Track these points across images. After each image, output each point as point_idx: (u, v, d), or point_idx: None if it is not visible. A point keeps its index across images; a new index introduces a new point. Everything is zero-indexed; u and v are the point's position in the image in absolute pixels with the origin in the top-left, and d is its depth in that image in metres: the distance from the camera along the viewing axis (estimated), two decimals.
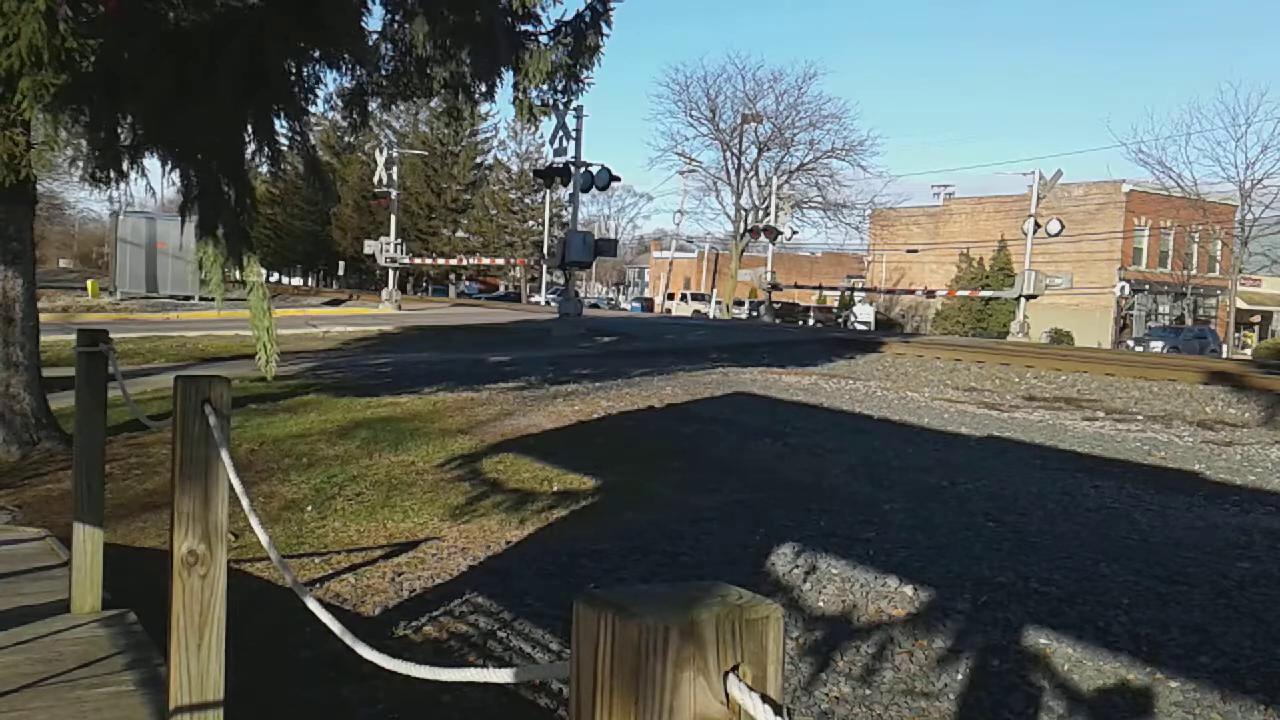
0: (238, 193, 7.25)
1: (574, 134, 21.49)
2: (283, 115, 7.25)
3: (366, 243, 35.57)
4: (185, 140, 6.80)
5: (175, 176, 7.19)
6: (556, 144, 21.71)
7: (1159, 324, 47.02)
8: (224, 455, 2.40)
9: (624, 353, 17.14)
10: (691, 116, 51.86)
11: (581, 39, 8.39)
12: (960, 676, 3.85)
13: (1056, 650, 3.99)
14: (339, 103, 8.20)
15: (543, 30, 8.36)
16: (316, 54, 7.17)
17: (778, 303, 43.86)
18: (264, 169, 7.47)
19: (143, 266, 30.19)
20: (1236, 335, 45.12)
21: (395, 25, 7.98)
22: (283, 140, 7.38)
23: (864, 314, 49.30)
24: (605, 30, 8.48)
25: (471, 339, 19.54)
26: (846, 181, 52.62)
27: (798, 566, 5.01)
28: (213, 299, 8.16)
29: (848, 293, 50.67)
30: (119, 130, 6.81)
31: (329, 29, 6.67)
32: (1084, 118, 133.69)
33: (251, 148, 7.12)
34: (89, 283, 32.50)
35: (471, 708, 3.68)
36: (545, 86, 8.43)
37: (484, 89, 8.48)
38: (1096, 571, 4.91)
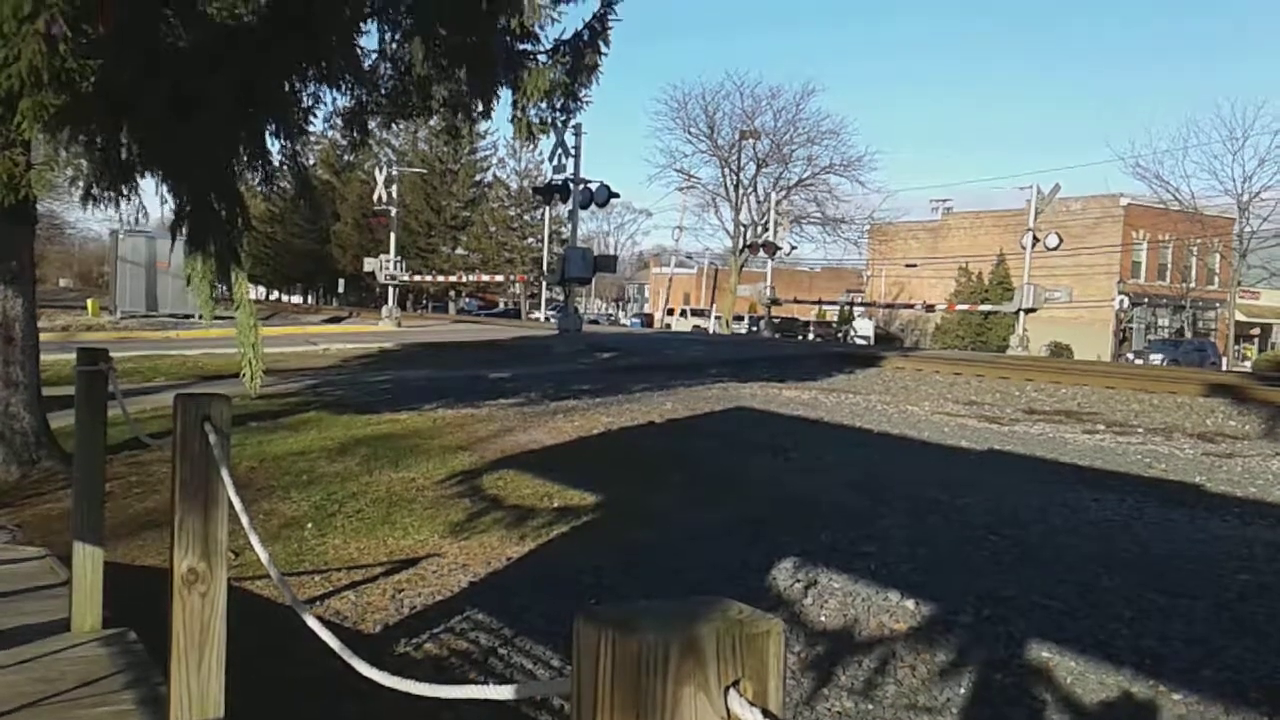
0: (229, 210, 7.27)
1: (573, 151, 21.57)
2: (278, 134, 7.28)
3: (366, 260, 35.65)
4: (180, 158, 6.82)
5: (169, 194, 7.21)
6: (555, 161, 21.80)
7: (1158, 337, 47.01)
8: (224, 473, 2.41)
9: (624, 368, 17.14)
10: (690, 133, 51.75)
11: (580, 58, 8.43)
12: (963, 690, 3.84)
13: (1059, 664, 3.98)
14: (339, 122, 8.22)
15: (541, 49, 8.39)
16: (312, 72, 7.20)
17: (777, 318, 43.91)
18: (259, 187, 7.51)
19: (143, 286, 30.27)
20: (1236, 348, 45.13)
21: (394, 45, 8.02)
22: (276, 158, 7.40)
23: (863, 328, 49.32)
24: (603, 49, 8.52)
25: (471, 355, 19.54)
26: (845, 197, 52.45)
27: (799, 581, 5.00)
28: (214, 317, 8.20)
29: (847, 307, 50.63)
30: (118, 150, 6.84)
31: (322, 47, 6.70)
32: (1082, 132, 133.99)
33: (246, 166, 7.15)
34: (89, 302, 32.54)
35: None
36: (544, 105, 8.45)
37: (482, 108, 8.50)
38: (1098, 584, 4.90)
